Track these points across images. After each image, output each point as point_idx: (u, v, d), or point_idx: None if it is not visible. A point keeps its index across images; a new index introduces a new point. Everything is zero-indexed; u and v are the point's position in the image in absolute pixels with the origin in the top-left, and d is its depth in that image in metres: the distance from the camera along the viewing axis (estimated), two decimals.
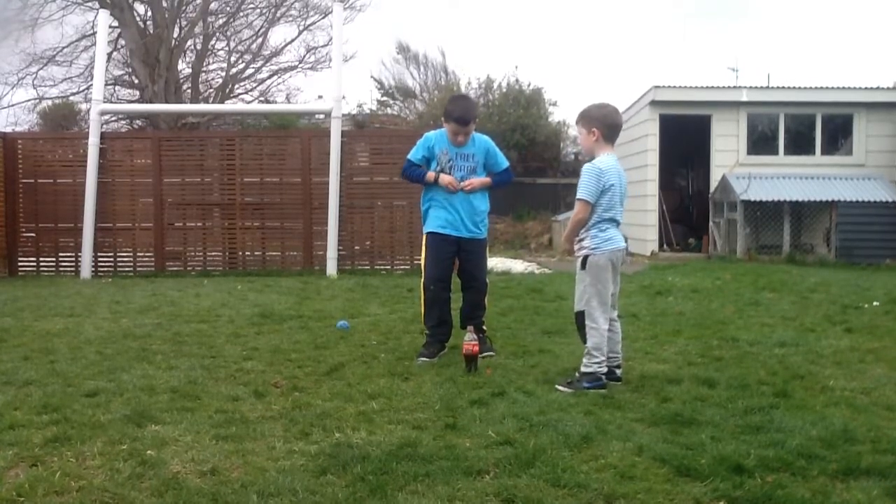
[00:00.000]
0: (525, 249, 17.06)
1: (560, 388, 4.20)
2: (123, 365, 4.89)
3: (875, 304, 7.37)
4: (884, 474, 2.92)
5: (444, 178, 4.97)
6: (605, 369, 4.24)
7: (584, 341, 4.29)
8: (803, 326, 6.22)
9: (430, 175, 5.01)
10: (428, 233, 5.12)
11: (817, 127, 14.28)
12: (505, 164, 5.20)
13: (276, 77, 23.21)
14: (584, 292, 4.30)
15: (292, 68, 22.91)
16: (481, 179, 5.05)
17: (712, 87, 14.65)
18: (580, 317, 4.32)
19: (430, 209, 5.12)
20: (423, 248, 5.15)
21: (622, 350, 4.45)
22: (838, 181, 13.32)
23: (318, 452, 3.19)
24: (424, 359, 4.90)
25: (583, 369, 4.24)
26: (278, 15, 22.08)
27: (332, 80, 11.75)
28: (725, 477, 2.88)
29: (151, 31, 20.48)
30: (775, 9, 44.02)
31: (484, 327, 5.16)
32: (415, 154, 5.11)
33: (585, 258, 4.29)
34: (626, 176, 4.48)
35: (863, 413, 3.75)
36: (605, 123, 4.35)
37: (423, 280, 5.13)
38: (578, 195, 4.27)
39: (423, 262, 5.16)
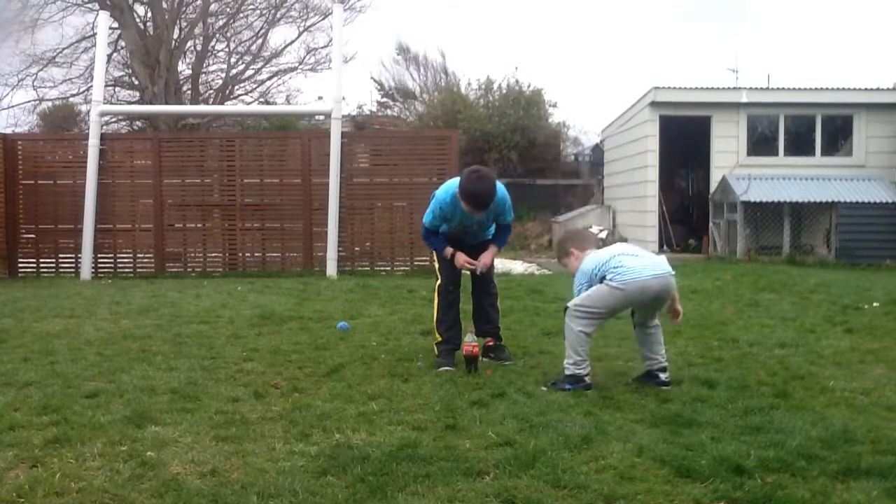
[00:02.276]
0: (525, 250, 17.06)
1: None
2: (123, 366, 4.89)
3: (875, 304, 7.37)
4: (884, 475, 2.92)
5: (459, 260, 4.94)
6: (584, 371, 4.24)
7: (566, 336, 4.34)
8: (803, 327, 6.22)
9: (449, 251, 4.97)
10: None
11: (817, 128, 14.29)
12: (510, 217, 5.11)
13: (276, 78, 23.22)
14: (584, 297, 4.31)
15: (292, 69, 22.92)
16: (491, 252, 5.04)
17: (712, 88, 14.66)
18: (566, 311, 4.36)
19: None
20: (434, 252, 5.15)
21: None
22: (838, 182, 13.32)
23: (319, 453, 3.20)
24: (448, 367, 4.75)
25: (565, 371, 4.28)
26: (278, 16, 22.09)
27: (332, 81, 11.77)
28: (725, 478, 2.89)
29: (151, 33, 20.48)
30: (775, 10, 44.07)
31: (501, 334, 5.15)
32: (431, 223, 5.00)
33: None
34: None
35: (863, 414, 3.75)
36: (572, 240, 4.68)
37: (439, 283, 5.06)
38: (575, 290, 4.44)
39: (436, 266, 5.12)
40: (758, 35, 43.50)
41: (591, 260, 4.39)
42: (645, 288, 4.23)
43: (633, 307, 4.41)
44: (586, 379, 4.23)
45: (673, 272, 4.35)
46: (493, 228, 5.13)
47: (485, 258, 5.02)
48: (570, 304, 4.35)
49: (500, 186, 4.82)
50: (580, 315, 4.28)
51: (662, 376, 4.33)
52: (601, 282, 4.27)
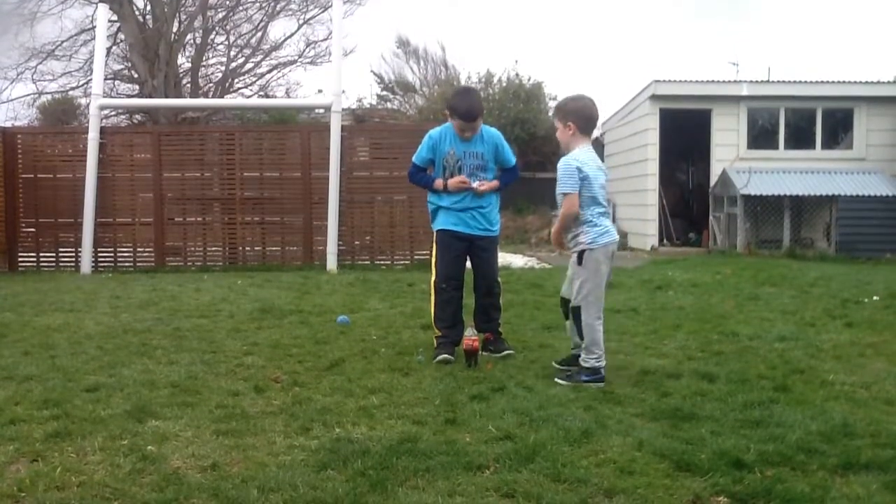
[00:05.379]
0: (525, 244, 17.05)
1: (559, 381, 4.23)
2: (124, 360, 4.90)
3: (875, 298, 7.38)
4: (883, 468, 2.93)
5: (453, 182, 4.83)
6: (603, 363, 4.26)
7: (579, 335, 4.32)
8: (803, 321, 6.22)
9: (439, 183, 4.88)
10: (438, 230, 5.00)
11: (818, 121, 14.27)
12: (513, 160, 5.06)
13: (275, 71, 23.17)
14: (580, 287, 4.31)
15: (292, 62, 22.86)
16: (491, 183, 4.92)
17: (713, 81, 14.63)
18: (576, 311, 4.33)
19: (438, 209, 4.99)
20: (434, 245, 5.04)
21: (615, 343, 4.45)
22: (839, 175, 13.31)
23: (319, 447, 3.20)
24: (446, 356, 4.72)
25: (582, 364, 4.27)
26: (278, 9, 22.00)
27: (332, 74, 11.73)
28: (725, 471, 2.89)
29: (151, 26, 20.41)
30: (776, 3, 43.93)
31: (500, 329, 5.10)
32: (419, 156, 4.96)
33: (582, 253, 4.30)
34: (605, 169, 4.51)
35: (862, 407, 3.75)
36: (580, 116, 4.38)
37: (433, 279, 4.99)
38: (560, 190, 4.31)
39: (433, 260, 5.04)
40: (758, 29, 43.42)
41: (584, 156, 4.34)
42: (613, 248, 4.40)
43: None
44: (602, 372, 4.23)
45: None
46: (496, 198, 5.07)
47: (484, 181, 4.87)
48: (573, 302, 4.35)
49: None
50: (589, 299, 4.26)
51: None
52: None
